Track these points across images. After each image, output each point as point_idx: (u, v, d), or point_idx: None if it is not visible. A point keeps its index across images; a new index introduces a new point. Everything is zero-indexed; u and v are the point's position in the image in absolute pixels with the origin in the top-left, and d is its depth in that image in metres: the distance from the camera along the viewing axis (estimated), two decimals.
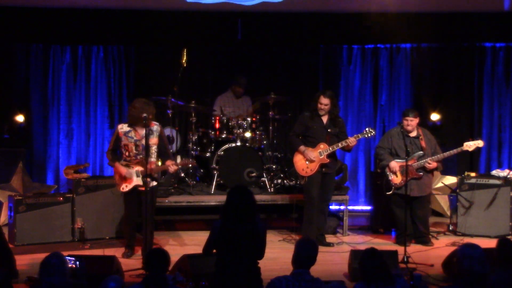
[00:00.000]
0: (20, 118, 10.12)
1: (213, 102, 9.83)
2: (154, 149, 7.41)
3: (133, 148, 7.41)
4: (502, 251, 5.07)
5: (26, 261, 7.13)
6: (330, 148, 8.01)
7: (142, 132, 7.31)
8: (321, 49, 10.80)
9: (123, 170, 7.39)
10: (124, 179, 7.42)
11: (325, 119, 8.13)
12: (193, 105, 9.22)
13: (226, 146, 9.13)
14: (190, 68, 9.64)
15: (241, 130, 9.21)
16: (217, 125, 9.28)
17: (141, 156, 7.34)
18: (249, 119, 9.33)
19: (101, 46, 10.38)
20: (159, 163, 7.59)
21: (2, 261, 6.37)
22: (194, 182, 9.19)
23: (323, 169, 8.08)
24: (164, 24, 10.27)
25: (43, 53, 10.28)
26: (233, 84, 9.80)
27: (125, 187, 7.44)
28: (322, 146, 8.04)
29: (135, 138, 7.41)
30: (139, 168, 7.35)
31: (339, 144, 8.01)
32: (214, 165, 9.06)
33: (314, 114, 8.12)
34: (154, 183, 7.46)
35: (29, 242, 8.14)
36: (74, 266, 5.74)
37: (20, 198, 8.27)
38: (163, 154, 7.55)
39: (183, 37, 10.29)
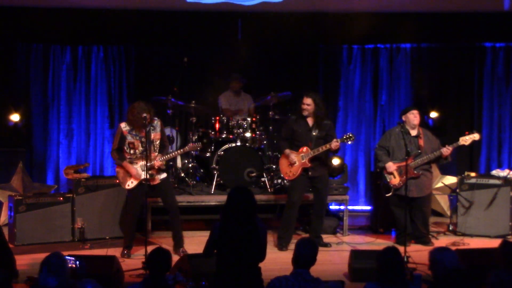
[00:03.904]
0: (16, 117, 10.11)
1: (215, 102, 9.84)
2: (157, 144, 7.52)
3: (139, 145, 7.46)
4: (505, 253, 5.07)
5: (26, 261, 7.12)
6: (312, 152, 7.89)
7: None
8: (321, 49, 10.79)
9: (133, 170, 7.41)
10: (130, 176, 7.46)
11: (310, 121, 8.00)
12: (193, 105, 9.23)
13: (226, 146, 9.13)
14: (190, 68, 9.65)
15: (241, 130, 9.21)
16: (217, 125, 9.29)
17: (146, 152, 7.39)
18: (249, 119, 9.33)
19: (101, 46, 10.39)
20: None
21: (2, 261, 6.37)
22: (194, 182, 9.19)
23: (309, 173, 7.97)
24: (164, 24, 10.28)
25: (43, 53, 10.28)
26: (229, 84, 9.80)
27: (131, 184, 7.47)
28: (305, 149, 7.91)
29: (140, 135, 7.45)
30: (144, 163, 7.36)
31: (320, 149, 7.84)
32: (214, 165, 9.06)
33: (298, 117, 8.01)
34: (164, 175, 7.58)
35: (29, 242, 8.14)
36: (74, 266, 5.73)
37: (20, 198, 8.27)
38: (162, 146, 7.61)
39: (183, 37, 10.30)
